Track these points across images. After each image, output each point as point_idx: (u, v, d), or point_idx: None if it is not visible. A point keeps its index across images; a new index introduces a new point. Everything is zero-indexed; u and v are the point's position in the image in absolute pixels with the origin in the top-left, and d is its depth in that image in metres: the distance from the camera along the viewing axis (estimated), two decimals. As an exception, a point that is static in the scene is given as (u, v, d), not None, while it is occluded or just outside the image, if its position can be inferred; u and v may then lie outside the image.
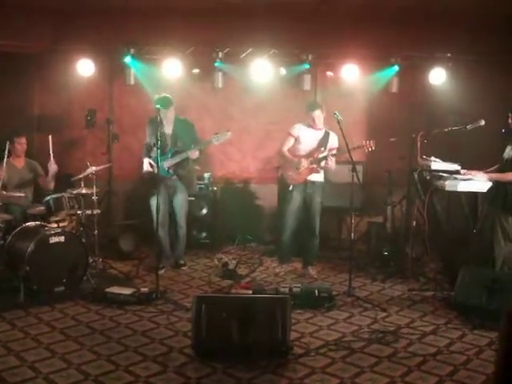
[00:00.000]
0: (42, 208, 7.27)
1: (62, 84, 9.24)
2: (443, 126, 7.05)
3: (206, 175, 9.25)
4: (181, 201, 7.75)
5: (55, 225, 6.97)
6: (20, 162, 7.88)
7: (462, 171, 6.80)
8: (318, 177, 7.50)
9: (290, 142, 7.57)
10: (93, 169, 7.45)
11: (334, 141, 7.49)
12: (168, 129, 7.54)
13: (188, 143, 7.50)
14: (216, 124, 9.50)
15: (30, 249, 6.28)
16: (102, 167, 7.69)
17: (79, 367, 4.75)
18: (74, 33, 8.74)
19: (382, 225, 8.23)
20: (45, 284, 6.38)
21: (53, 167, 7.67)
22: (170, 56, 8.85)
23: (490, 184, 6.43)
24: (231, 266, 7.71)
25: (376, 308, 6.32)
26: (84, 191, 7.36)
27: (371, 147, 7.08)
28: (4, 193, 7.12)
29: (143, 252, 8.50)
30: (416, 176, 7.09)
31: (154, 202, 7.19)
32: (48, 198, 7.23)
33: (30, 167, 7.93)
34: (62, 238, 6.60)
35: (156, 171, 7.10)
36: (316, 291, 6.36)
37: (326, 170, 7.53)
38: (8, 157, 7.61)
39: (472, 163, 6.81)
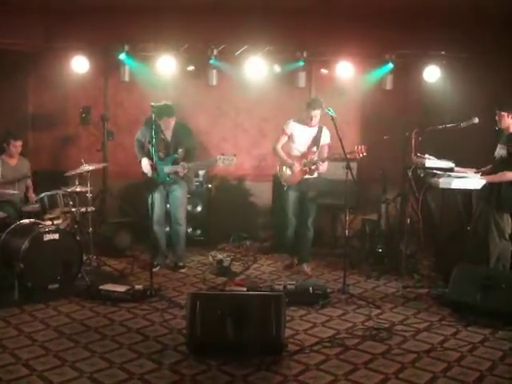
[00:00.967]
0: (37, 205, 7.26)
1: (57, 81, 9.22)
2: (437, 124, 7.06)
3: (201, 172, 9.23)
4: (179, 198, 7.70)
5: (49, 222, 6.98)
6: (13, 160, 7.88)
7: (456, 169, 6.83)
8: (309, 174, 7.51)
9: (284, 139, 7.57)
10: (87, 168, 7.42)
11: (326, 137, 7.50)
12: (168, 135, 7.49)
13: (186, 148, 7.51)
14: (210, 121, 9.55)
15: (24, 246, 6.28)
16: (96, 166, 7.66)
17: (73, 364, 4.75)
18: (68, 30, 8.73)
19: (376, 222, 8.23)
20: (39, 281, 6.37)
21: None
22: (165, 53, 8.84)
23: (483, 181, 6.45)
24: (226, 264, 7.70)
25: (370, 305, 6.33)
26: (78, 189, 7.36)
27: (362, 153, 6.99)
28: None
29: (138, 249, 8.49)
30: (410, 173, 7.10)
31: (150, 198, 7.21)
32: (42, 195, 7.22)
33: (24, 165, 7.92)
34: (57, 236, 6.59)
35: (155, 174, 7.16)
36: (310, 288, 6.38)
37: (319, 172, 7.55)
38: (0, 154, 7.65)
39: (466, 161, 6.83)
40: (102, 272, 7.46)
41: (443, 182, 6.63)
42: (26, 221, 6.87)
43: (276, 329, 4.89)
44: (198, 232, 9.12)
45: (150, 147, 7.24)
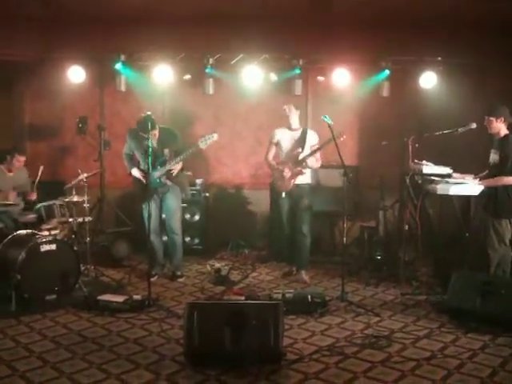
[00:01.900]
0: (33, 216, 7.24)
1: (53, 91, 9.22)
2: (434, 130, 7.05)
3: (198, 181, 9.22)
4: (172, 206, 7.65)
5: (47, 233, 6.94)
6: (11, 171, 7.84)
7: (454, 175, 6.81)
8: (302, 179, 7.49)
9: (272, 148, 7.71)
10: (84, 175, 7.41)
11: (312, 138, 7.54)
12: (154, 142, 7.45)
13: (174, 151, 7.48)
14: (207, 130, 9.41)
15: (21, 257, 6.25)
16: (92, 173, 7.67)
17: (71, 376, 4.71)
18: (65, 41, 8.73)
19: (374, 229, 8.22)
20: (36, 292, 6.35)
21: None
22: (161, 62, 8.83)
23: (481, 187, 6.43)
24: (224, 272, 7.69)
25: (369, 313, 6.30)
26: (75, 199, 7.33)
27: (342, 137, 7.03)
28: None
29: (135, 259, 8.46)
30: (408, 180, 7.09)
31: (145, 208, 7.22)
32: (39, 205, 7.20)
33: (21, 175, 7.89)
34: (54, 246, 6.58)
35: (146, 180, 7.16)
36: (309, 297, 6.34)
37: (312, 170, 7.54)
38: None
39: (464, 167, 6.82)
40: (99, 282, 7.43)
41: (441, 189, 6.60)
42: (23, 232, 6.84)
43: (274, 338, 4.86)
44: (196, 241, 9.10)
45: (140, 158, 7.29)
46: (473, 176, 6.71)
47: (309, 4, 8.13)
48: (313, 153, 7.36)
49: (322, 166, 7.69)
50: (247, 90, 9.14)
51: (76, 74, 8.86)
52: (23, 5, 8.19)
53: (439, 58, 8.69)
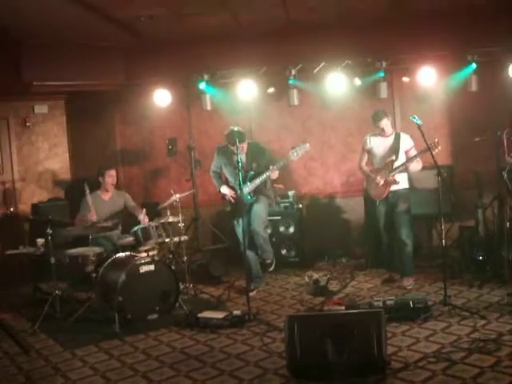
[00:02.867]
0: (131, 239, 7.40)
1: (142, 116, 9.48)
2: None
3: (290, 193, 9.21)
4: (256, 210, 7.58)
5: (145, 254, 7.07)
6: (107, 195, 8.02)
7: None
8: (399, 185, 7.33)
9: (365, 155, 7.61)
10: (177, 196, 7.55)
11: (406, 142, 7.36)
12: (242, 156, 7.49)
13: (263, 165, 7.47)
14: (296, 141, 9.42)
15: (121, 279, 6.40)
16: (185, 194, 7.78)
17: (176, 394, 4.77)
18: (148, 66, 8.93)
19: (474, 229, 7.94)
20: (138, 313, 6.48)
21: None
22: (244, 78, 8.90)
23: None
24: (322, 283, 7.60)
25: (475, 316, 6.06)
26: (170, 219, 7.45)
27: (437, 147, 6.79)
28: (98, 225, 7.33)
29: (233, 275, 8.50)
30: (505, 175, 6.82)
31: (236, 224, 7.35)
32: (136, 228, 7.34)
33: (118, 198, 8.08)
34: (152, 267, 6.69)
35: (235, 198, 7.23)
36: (411, 302, 6.17)
37: (411, 174, 7.40)
38: (96, 189, 7.87)
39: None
40: (199, 300, 7.52)
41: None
42: (122, 254, 7.01)
43: (377, 347, 4.74)
44: (293, 253, 9.06)
45: (228, 175, 7.35)
46: None
47: (387, 4, 7.97)
48: (408, 161, 7.20)
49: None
50: (332, 97, 9.07)
51: (162, 97, 9.06)
52: (112, 36, 8.45)
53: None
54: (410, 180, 7.50)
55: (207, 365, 5.35)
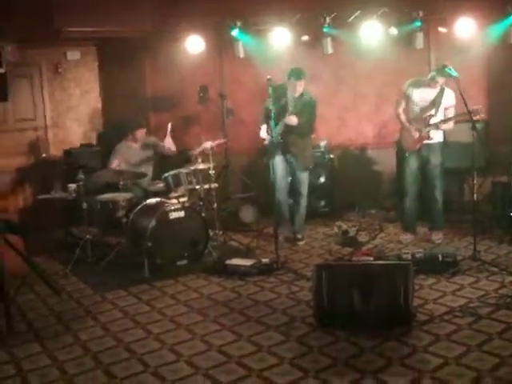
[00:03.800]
0: (162, 185, 7.43)
1: (173, 63, 9.34)
2: None
3: (322, 143, 9.11)
4: (300, 177, 7.64)
5: (175, 201, 7.09)
6: (137, 143, 8.08)
7: None
8: (433, 138, 7.15)
9: (402, 102, 7.30)
10: (208, 144, 7.53)
11: (449, 98, 7.09)
12: (291, 100, 7.39)
13: (306, 118, 7.37)
14: (329, 91, 9.36)
15: (151, 225, 6.45)
16: (216, 143, 7.74)
17: (203, 338, 4.84)
18: (179, 12, 8.74)
19: (507, 184, 7.79)
20: (167, 258, 6.56)
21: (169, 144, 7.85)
22: (277, 25, 8.72)
23: None
24: (351, 234, 7.58)
25: (503, 272, 6.00)
26: (201, 166, 7.45)
27: (478, 115, 6.46)
28: (127, 171, 7.39)
29: (262, 223, 8.49)
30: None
31: (272, 164, 7.19)
32: (166, 174, 7.37)
33: (147, 144, 8.10)
34: (182, 213, 6.73)
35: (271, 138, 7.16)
36: (440, 256, 6.14)
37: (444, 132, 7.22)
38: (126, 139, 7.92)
39: None
40: (228, 247, 7.58)
41: None
42: (152, 200, 7.05)
43: (404, 298, 4.73)
44: (322, 203, 9.01)
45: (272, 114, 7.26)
46: None
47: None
48: (445, 121, 7.02)
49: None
50: (367, 47, 8.82)
51: (194, 44, 8.92)
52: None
53: None
54: (444, 133, 7.35)
55: (235, 311, 5.42)
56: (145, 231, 6.46)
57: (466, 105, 6.24)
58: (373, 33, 8.53)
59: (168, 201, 7.05)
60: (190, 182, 7.40)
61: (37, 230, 7.67)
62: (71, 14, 8.12)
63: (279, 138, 7.33)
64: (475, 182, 6.41)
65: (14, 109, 9.43)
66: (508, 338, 4.51)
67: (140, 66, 9.73)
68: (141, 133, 8.04)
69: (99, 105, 10.16)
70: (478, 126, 6.39)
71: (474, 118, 6.36)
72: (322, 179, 9.01)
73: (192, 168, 7.46)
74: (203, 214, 7.10)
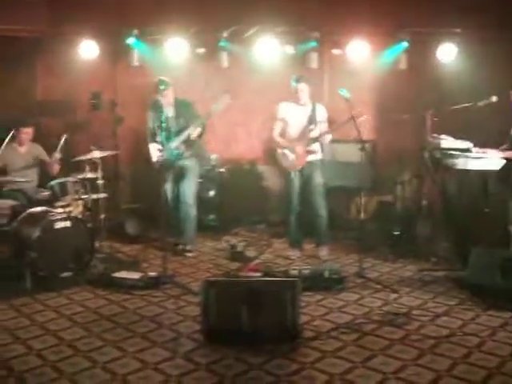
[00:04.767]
0: (47, 193, 7.19)
1: (66, 67, 9.07)
2: (454, 103, 6.89)
3: (213, 157, 9.13)
4: (188, 177, 7.61)
5: (61, 210, 6.88)
6: (22, 148, 7.75)
7: (474, 149, 6.68)
8: (313, 156, 7.31)
9: (278, 125, 7.40)
10: (97, 154, 7.35)
11: (321, 112, 7.31)
12: (170, 111, 7.41)
13: (190, 121, 7.36)
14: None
15: (35, 234, 6.21)
16: (105, 154, 7.55)
17: (87, 354, 4.69)
18: (74, 15, 8.55)
19: (392, 204, 8.10)
20: (51, 270, 6.31)
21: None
22: (174, 36, 8.68)
23: (502, 162, 6.29)
24: (239, 249, 7.62)
25: (387, 289, 6.22)
26: (89, 175, 7.28)
27: (362, 116, 6.73)
28: (8, 178, 7.07)
29: (150, 236, 8.39)
30: (426, 154, 6.95)
31: (167, 186, 7.30)
32: (53, 182, 7.14)
33: (34, 151, 7.79)
34: (68, 223, 6.53)
35: (164, 156, 7.10)
36: (326, 273, 6.27)
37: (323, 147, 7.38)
38: (11, 141, 7.58)
39: (485, 141, 6.66)
40: (114, 259, 7.39)
41: (460, 163, 6.51)
42: (37, 209, 6.80)
43: (292, 315, 4.81)
44: (211, 217, 9.02)
45: (156, 131, 7.21)
46: (497, 150, 6.52)
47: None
48: (329, 131, 7.19)
49: (339, 141, 7.56)
50: (262, 63, 8.95)
51: (89, 49, 8.74)
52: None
53: (458, 30, 8.48)
54: (332, 152, 7.53)
55: (120, 326, 5.30)
56: (29, 241, 6.21)
57: (357, 129, 6.43)
58: (269, 50, 8.66)
59: (53, 210, 6.82)
60: (77, 192, 7.21)
61: None
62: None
63: (179, 150, 7.35)
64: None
65: None
66: (391, 355, 4.65)
67: (31, 68, 9.40)
68: (25, 133, 7.68)
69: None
70: (367, 146, 6.59)
71: (358, 119, 6.58)
72: (212, 193, 9.04)
73: (79, 177, 7.27)
74: (89, 225, 6.93)
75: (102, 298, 6.03)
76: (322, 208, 7.39)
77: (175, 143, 7.33)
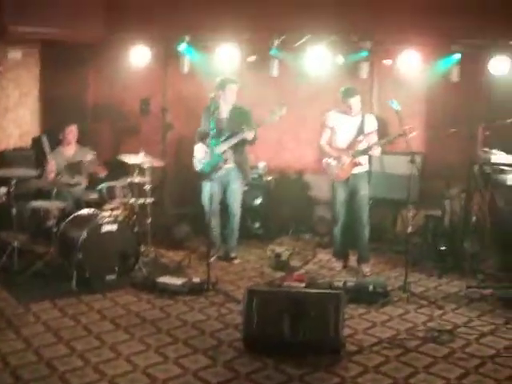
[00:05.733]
0: (96, 196, 7.28)
1: (117, 72, 9.22)
2: (506, 118, 6.75)
3: (261, 165, 9.13)
4: (235, 189, 7.63)
5: (108, 213, 6.96)
6: (70, 149, 7.91)
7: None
8: (359, 168, 7.21)
9: (327, 133, 7.34)
10: (145, 160, 7.40)
11: (370, 124, 7.21)
12: (225, 113, 7.44)
13: (244, 127, 7.35)
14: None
15: (82, 236, 6.30)
16: (154, 164, 7.58)
17: (128, 358, 4.73)
18: (128, 21, 8.65)
19: (439, 219, 7.96)
20: (97, 272, 6.41)
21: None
22: (226, 43, 8.71)
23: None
24: (284, 258, 7.58)
25: (432, 305, 6.11)
26: (137, 180, 7.35)
27: (412, 132, 6.60)
28: (56, 179, 7.20)
29: (196, 241, 8.42)
30: (477, 169, 6.83)
31: (207, 190, 7.20)
32: (101, 186, 7.23)
33: (81, 154, 7.90)
34: (115, 227, 6.62)
35: (207, 158, 7.13)
36: (371, 286, 6.20)
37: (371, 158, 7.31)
38: (59, 144, 7.72)
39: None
40: (159, 264, 7.45)
41: (510, 179, 6.36)
42: (85, 211, 6.90)
43: (334, 328, 4.77)
44: (257, 225, 9.02)
45: (208, 131, 7.21)
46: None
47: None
48: (378, 144, 7.10)
49: (387, 153, 7.46)
50: (312, 72, 8.90)
51: (140, 55, 8.81)
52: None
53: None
54: (382, 164, 7.46)
55: (162, 331, 5.33)
56: (75, 242, 6.31)
57: (407, 141, 6.35)
58: (319, 59, 8.60)
59: (101, 213, 6.91)
60: (125, 195, 7.29)
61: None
62: (19, 12, 7.92)
63: (223, 156, 7.34)
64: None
65: None
66: (434, 373, 4.57)
67: (84, 73, 9.56)
68: (69, 131, 7.86)
69: (37, 108, 9.90)
70: (416, 158, 6.49)
71: (409, 136, 6.49)
72: (258, 201, 9.02)
73: (128, 180, 7.35)
74: (136, 229, 7.00)
75: (146, 302, 6.08)
76: (367, 221, 7.31)
77: (223, 147, 7.33)
